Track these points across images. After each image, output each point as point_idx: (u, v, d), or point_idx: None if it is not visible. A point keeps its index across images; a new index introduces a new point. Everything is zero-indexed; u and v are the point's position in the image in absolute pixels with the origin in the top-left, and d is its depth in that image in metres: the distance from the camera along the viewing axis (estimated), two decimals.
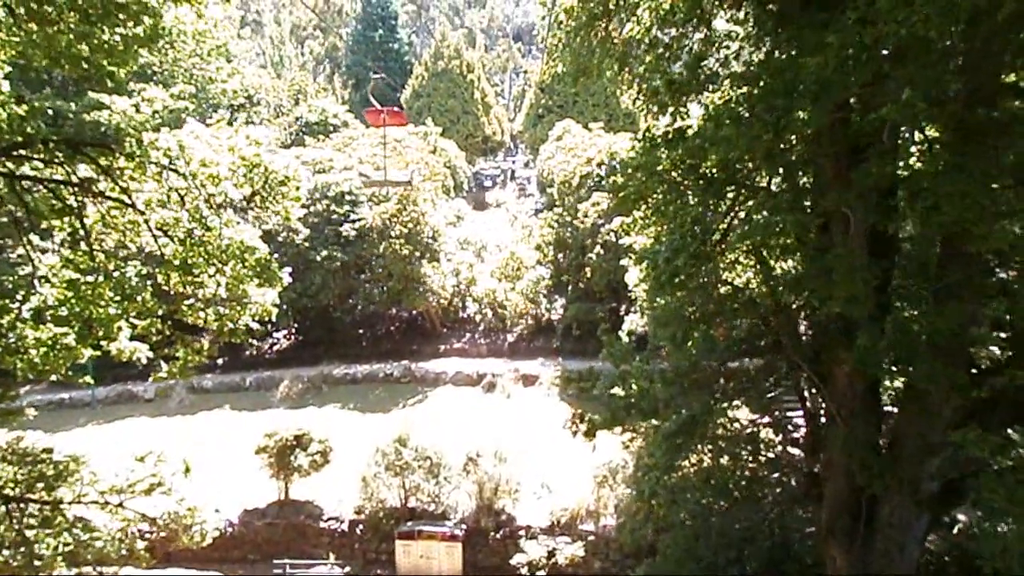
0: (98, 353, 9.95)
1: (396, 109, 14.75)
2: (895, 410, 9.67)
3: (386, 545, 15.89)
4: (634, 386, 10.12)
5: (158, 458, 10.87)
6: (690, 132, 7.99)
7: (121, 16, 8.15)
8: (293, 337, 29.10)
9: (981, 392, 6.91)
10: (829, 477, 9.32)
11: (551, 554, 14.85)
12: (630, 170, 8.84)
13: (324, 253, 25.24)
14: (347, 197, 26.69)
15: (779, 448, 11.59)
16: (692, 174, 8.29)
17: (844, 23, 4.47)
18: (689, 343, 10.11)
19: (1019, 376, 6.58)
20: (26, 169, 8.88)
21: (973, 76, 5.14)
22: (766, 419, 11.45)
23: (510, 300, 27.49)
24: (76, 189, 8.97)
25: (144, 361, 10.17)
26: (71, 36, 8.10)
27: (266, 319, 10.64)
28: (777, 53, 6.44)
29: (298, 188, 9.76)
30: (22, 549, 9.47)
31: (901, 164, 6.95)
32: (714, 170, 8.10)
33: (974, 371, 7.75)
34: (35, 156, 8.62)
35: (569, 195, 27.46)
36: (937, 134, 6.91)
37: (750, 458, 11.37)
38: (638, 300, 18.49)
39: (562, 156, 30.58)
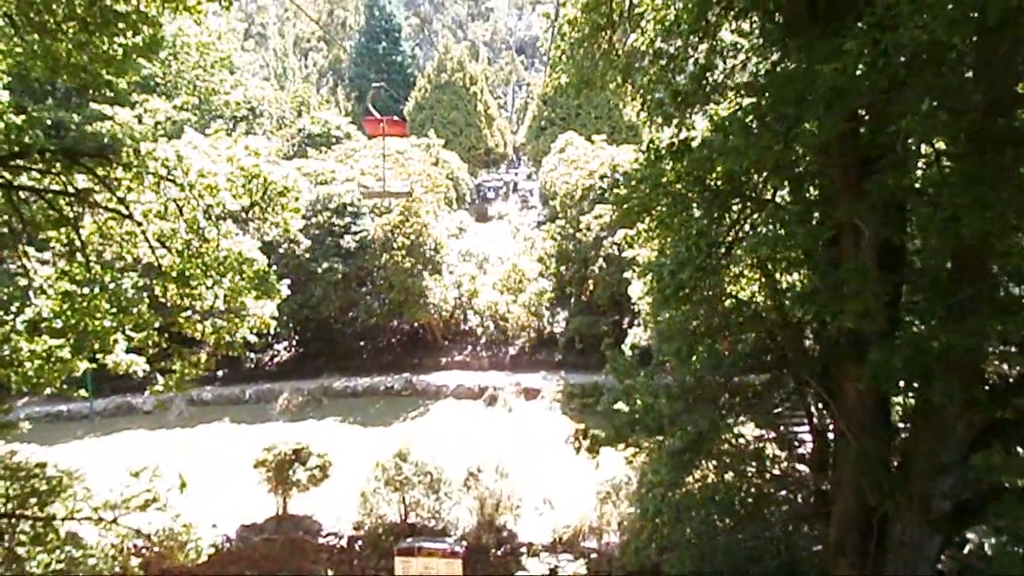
0: (94, 366, 9.83)
1: (395, 118, 14.61)
2: (901, 425, 9.49)
3: (385, 562, 15.62)
4: (639, 401, 9.94)
5: (153, 473, 10.71)
6: (695, 143, 7.88)
7: (120, 25, 8.08)
8: (293, 349, 28.92)
9: (1005, 412, 6.72)
10: (838, 495, 9.11)
11: (553, 572, 14.61)
12: (634, 182, 8.73)
13: (325, 265, 25.12)
14: (349, 209, 26.62)
15: (785, 464, 11.40)
16: (697, 186, 8.17)
17: (860, 29, 4.33)
18: (694, 358, 9.96)
19: None
20: (23, 179, 8.79)
21: (992, 85, 5.00)
22: (771, 434, 11.27)
23: (512, 313, 27.31)
24: (73, 200, 8.87)
25: (141, 374, 10.05)
26: (70, 46, 8.03)
27: (264, 332, 10.52)
28: (785, 63, 6.33)
29: (297, 199, 9.66)
30: (13, 566, 9.29)
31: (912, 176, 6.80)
32: (719, 182, 7.98)
33: (989, 388, 7.57)
34: (32, 166, 8.53)
35: (572, 207, 27.37)
36: (944, 145, 6.79)
37: (756, 474, 11.17)
38: (642, 313, 18.31)
39: (565, 168, 30.53)
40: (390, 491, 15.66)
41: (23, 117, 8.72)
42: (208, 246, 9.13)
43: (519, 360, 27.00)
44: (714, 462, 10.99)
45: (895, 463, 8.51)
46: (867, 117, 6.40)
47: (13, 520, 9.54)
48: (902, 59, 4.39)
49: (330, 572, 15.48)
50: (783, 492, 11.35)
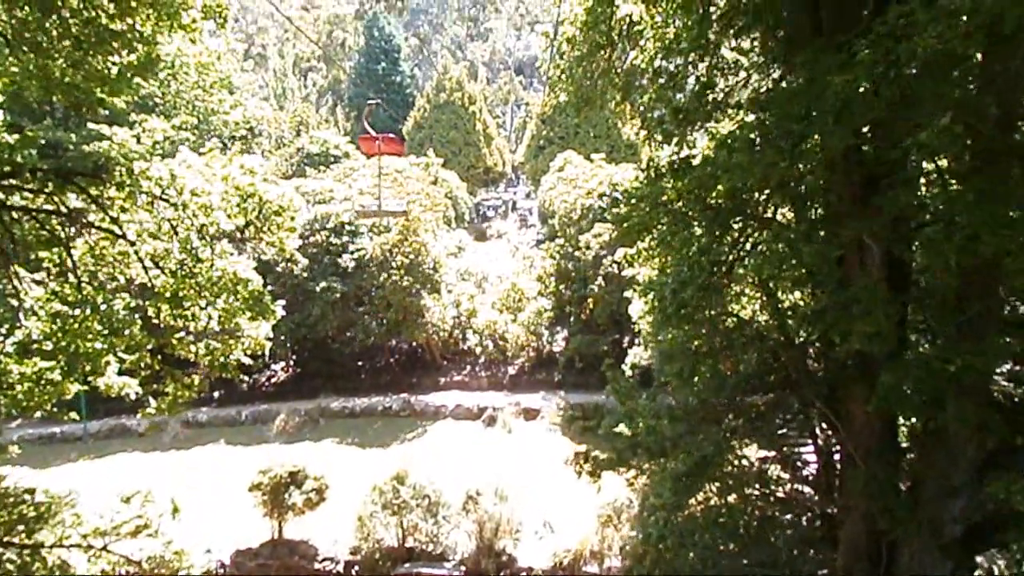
0: (86, 388, 9.65)
1: (392, 136, 14.38)
2: (905, 445, 9.30)
3: None
4: (640, 424, 9.75)
5: (145, 498, 10.45)
6: (696, 161, 7.77)
7: (115, 44, 8.02)
8: (291, 369, 28.70)
9: (1018, 434, 6.55)
10: (846, 520, 8.89)
11: None
12: (634, 200, 8.61)
13: (323, 284, 24.99)
14: (347, 228, 26.56)
15: (789, 487, 11.18)
16: (698, 204, 8.05)
17: (873, 39, 4.22)
18: (696, 378, 9.79)
19: None
20: (15, 199, 8.67)
21: (1005, 98, 4.88)
22: (773, 454, 11.06)
23: (511, 332, 27.14)
24: (65, 220, 8.74)
25: (133, 396, 9.88)
26: (65, 64, 7.96)
27: (259, 353, 10.35)
28: (788, 79, 6.24)
29: (293, 218, 9.53)
30: None
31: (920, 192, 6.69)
32: (721, 200, 7.86)
33: (999, 410, 7.39)
34: (24, 186, 8.41)
35: (571, 226, 27.30)
36: (946, 163, 6.68)
37: (759, 497, 10.95)
38: (642, 333, 18.14)
39: (563, 187, 30.53)
40: (388, 515, 15.39)
41: (16, 136, 8.61)
42: (202, 266, 8.98)
43: (518, 380, 26.79)
44: (716, 484, 10.77)
45: (904, 487, 8.30)
46: (872, 134, 6.29)
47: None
48: (913, 71, 4.27)
49: None
50: (788, 515, 11.12)
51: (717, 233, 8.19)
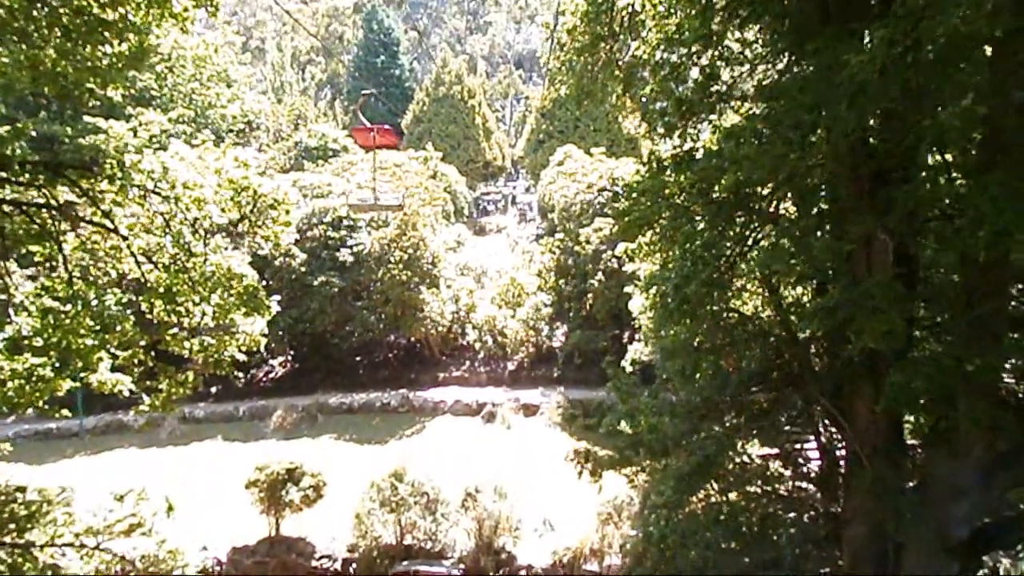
0: (78, 385, 9.50)
1: (387, 127, 13.98)
2: (912, 443, 9.16)
3: None
4: (642, 422, 9.60)
5: (138, 496, 10.31)
6: (700, 154, 7.60)
7: (106, 33, 7.84)
8: (289, 364, 28.51)
9: None
10: (851, 520, 8.75)
11: None
12: (635, 194, 8.45)
13: (321, 279, 24.82)
14: (344, 222, 26.36)
15: (792, 484, 11.05)
16: (701, 198, 7.89)
17: (892, 18, 4.03)
18: (698, 375, 9.65)
19: None
20: (4, 192, 8.50)
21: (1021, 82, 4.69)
22: (775, 451, 10.92)
23: (510, 327, 26.97)
24: (56, 213, 8.57)
25: (127, 393, 9.72)
26: (54, 54, 7.78)
27: (254, 349, 10.19)
28: (796, 68, 6.06)
29: (288, 212, 9.34)
30: None
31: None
32: (725, 194, 7.70)
33: (1011, 409, 7.23)
34: (13, 179, 8.23)
35: (570, 221, 27.13)
36: (950, 156, 6.51)
37: (762, 494, 10.82)
38: (642, 329, 17.98)
39: (563, 181, 30.32)
40: (386, 512, 15.26)
41: (6, 128, 8.43)
42: (195, 261, 8.81)
43: (518, 375, 26.65)
44: (718, 482, 10.63)
45: (911, 488, 8.15)
46: (882, 126, 6.11)
47: None
48: (930, 56, 4.09)
49: None
50: (791, 514, 10.99)
51: (721, 228, 8.04)
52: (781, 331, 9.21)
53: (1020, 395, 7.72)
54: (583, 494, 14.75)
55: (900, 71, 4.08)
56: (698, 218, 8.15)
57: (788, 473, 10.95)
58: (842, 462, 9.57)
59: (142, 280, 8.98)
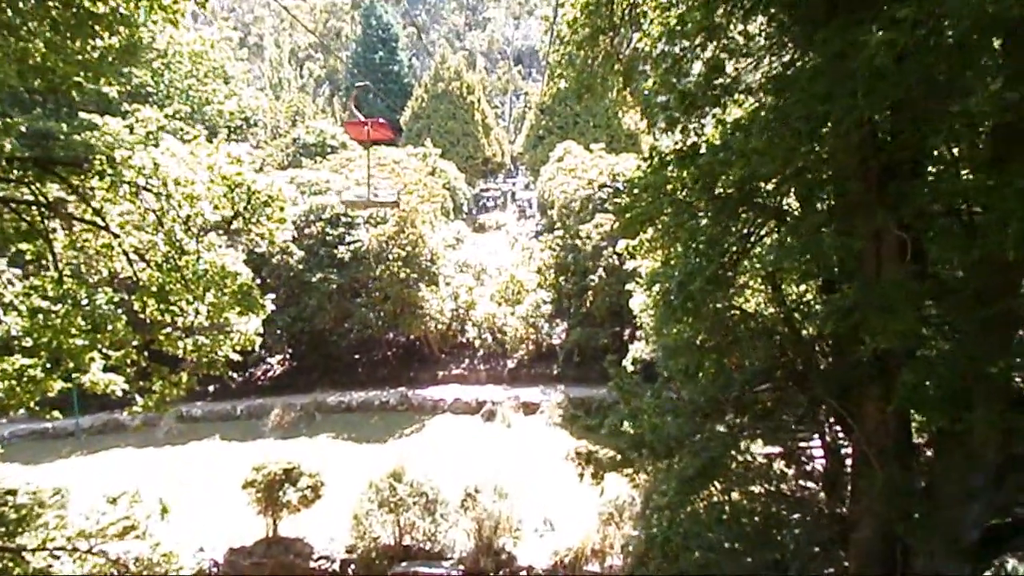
0: (70, 385, 9.33)
1: (381, 120, 13.59)
2: (919, 441, 8.99)
3: None
4: (645, 422, 9.43)
5: (132, 498, 10.14)
6: (704, 148, 7.42)
7: (95, 27, 7.65)
8: (287, 363, 28.34)
9: None
10: (858, 521, 8.58)
11: None
12: (637, 190, 8.27)
13: (319, 276, 24.63)
14: (343, 219, 26.16)
15: (795, 483, 10.89)
16: (705, 194, 7.71)
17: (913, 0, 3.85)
18: (701, 374, 9.48)
19: None
20: None
21: None
22: (779, 450, 10.77)
23: (510, 325, 26.81)
24: (45, 210, 8.38)
25: (120, 393, 9.56)
26: (43, 48, 7.60)
27: (249, 349, 10.01)
28: (804, 59, 5.87)
29: (283, 208, 9.15)
30: None
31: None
32: (729, 190, 7.52)
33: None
34: (2, 176, 8.05)
35: (570, 217, 26.94)
36: (957, 151, 6.33)
37: (765, 494, 10.66)
38: (644, 326, 17.80)
39: (563, 177, 30.13)
40: (384, 512, 15.09)
41: None
42: (188, 259, 8.62)
43: (517, 373, 26.49)
44: (721, 482, 10.48)
45: (921, 490, 7.98)
46: (891, 117, 5.92)
47: None
48: (950, 39, 3.89)
49: None
50: (796, 515, 10.83)
51: (724, 224, 7.86)
52: (785, 329, 9.04)
53: None
54: (584, 493, 14.58)
55: (922, 55, 3.90)
56: (701, 214, 7.98)
57: (792, 473, 10.80)
58: (848, 462, 9.41)
59: (134, 279, 8.80)
